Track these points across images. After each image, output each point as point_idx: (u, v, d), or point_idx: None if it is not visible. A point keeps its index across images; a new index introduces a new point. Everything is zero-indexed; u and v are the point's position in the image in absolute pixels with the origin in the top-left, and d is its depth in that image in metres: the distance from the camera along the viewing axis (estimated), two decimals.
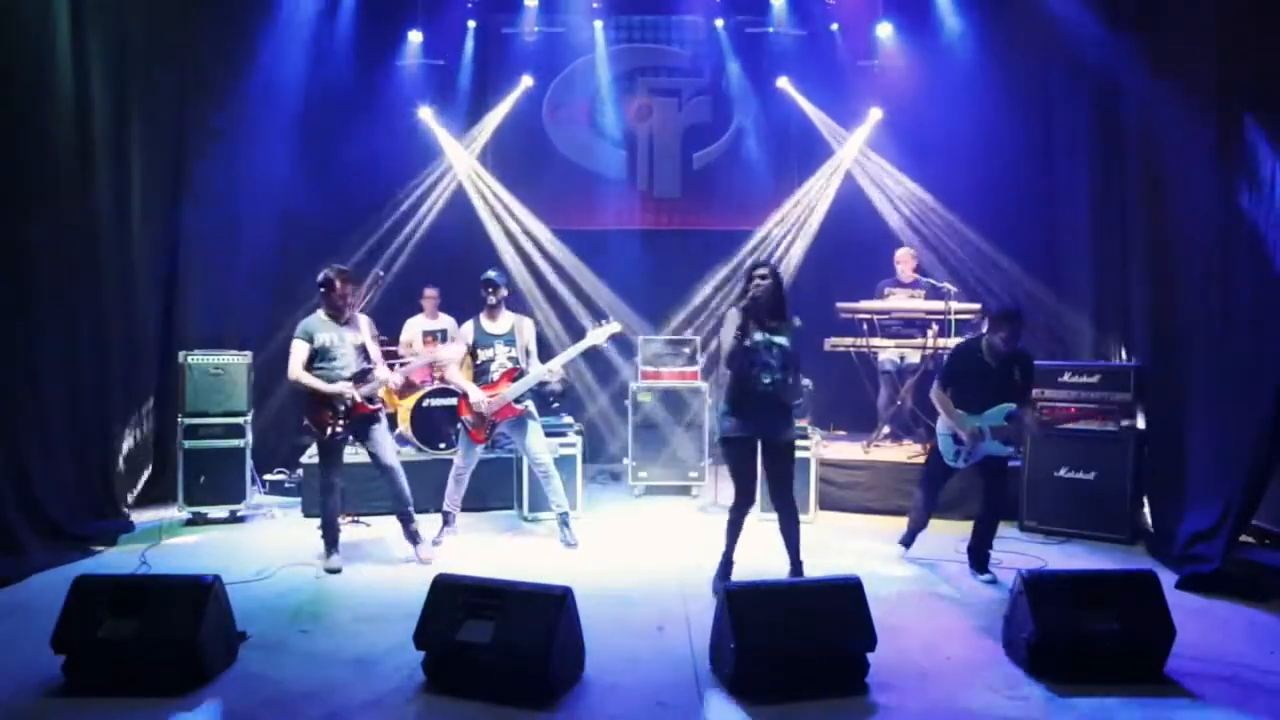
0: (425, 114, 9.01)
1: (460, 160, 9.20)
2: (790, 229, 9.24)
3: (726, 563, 5.24)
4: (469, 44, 9.24)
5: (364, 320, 5.80)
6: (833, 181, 9.17)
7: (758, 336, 4.95)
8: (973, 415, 5.44)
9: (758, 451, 5.12)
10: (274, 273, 8.03)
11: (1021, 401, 5.43)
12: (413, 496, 7.02)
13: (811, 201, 9.22)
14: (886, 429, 7.73)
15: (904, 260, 8.01)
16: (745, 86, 9.39)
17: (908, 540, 5.88)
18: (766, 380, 4.94)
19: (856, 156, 9.09)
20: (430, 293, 8.39)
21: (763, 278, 4.96)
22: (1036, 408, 5.52)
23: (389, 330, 8.15)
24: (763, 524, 6.82)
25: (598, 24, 9.27)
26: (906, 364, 7.71)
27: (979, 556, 5.55)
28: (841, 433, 8.28)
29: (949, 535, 5.99)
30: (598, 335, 6.28)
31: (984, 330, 5.63)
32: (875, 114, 8.96)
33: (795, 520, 5.20)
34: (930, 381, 5.93)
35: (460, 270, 8.42)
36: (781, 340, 4.99)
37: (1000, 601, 4.60)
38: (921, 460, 7.10)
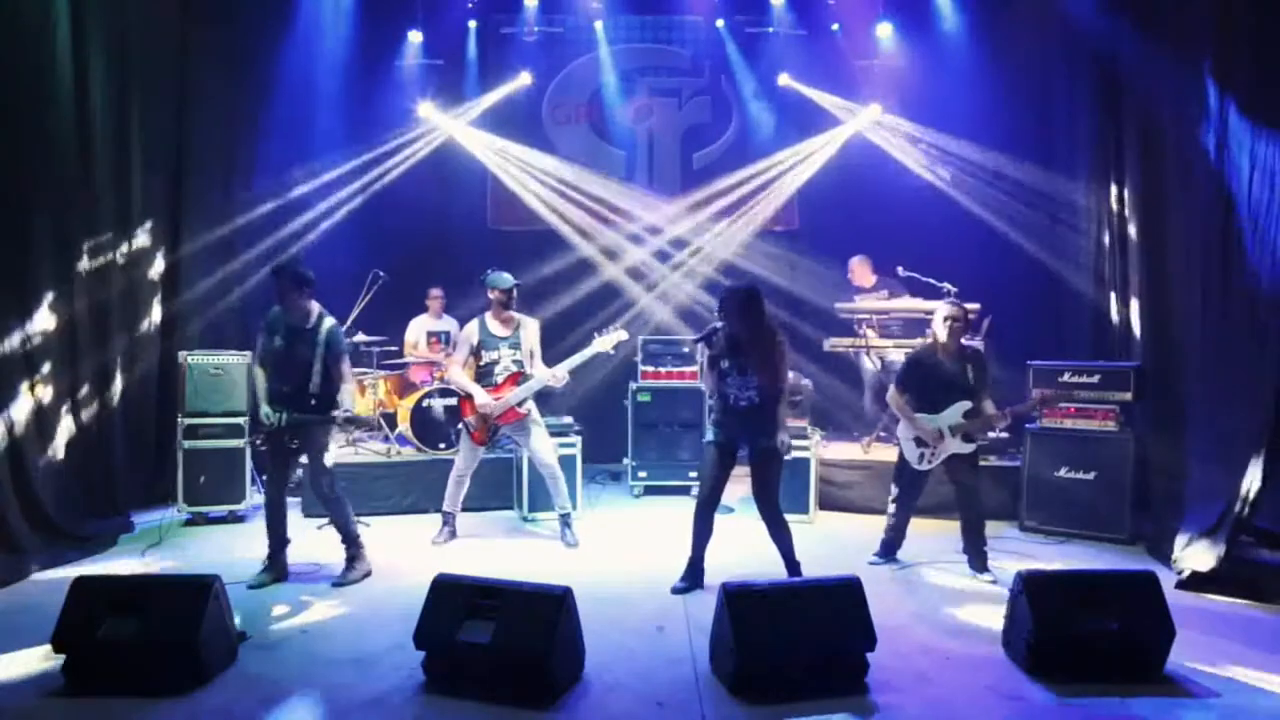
0: (426, 109, 9.02)
1: (461, 134, 9.21)
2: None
3: (693, 565, 5.29)
4: (468, 44, 9.25)
5: (325, 330, 5.33)
6: (831, 147, 9.17)
7: (725, 364, 5.09)
8: (932, 416, 5.53)
9: (730, 459, 5.24)
10: None
11: (977, 398, 5.49)
12: (412, 497, 7.09)
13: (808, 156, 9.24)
14: (882, 431, 7.71)
15: (856, 269, 8.13)
16: (746, 86, 9.38)
17: (885, 554, 5.83)
18: (743, 401, 5.08)
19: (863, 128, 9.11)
20: (436, 293, 8.41)
21: (728, 310, 5.03)
22: (996, 403, 5.55)
23: (392, 330, 8.18)
24: (759, 524, 6.84)
25: (598, 24, 9.27)
26: (890, 363, 7.75)
27: (976, 557, 5.56)
28: (843, 433, 8.27)
29: (948, 535, 5.98)
30: (604, 343, 6.25)
31: (933, 332, 5.69)
32: (875, 109, 8.96)
33: (782, 527, 5.23)
34: None
35: (458, 268, 8.46)
36: (756, 363, 5.04)
37: (1000, 601, 4.60)
38: None
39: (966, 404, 5.49)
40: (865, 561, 5.79)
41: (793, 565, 5.20)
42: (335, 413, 5.36)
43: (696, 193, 9.33)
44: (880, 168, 8.97)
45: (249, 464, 6.85)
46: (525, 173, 9.30)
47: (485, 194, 9.51)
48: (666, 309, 9.15)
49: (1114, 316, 7.00)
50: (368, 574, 5.45)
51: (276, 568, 5.39)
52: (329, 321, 5.38)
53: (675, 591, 5.20)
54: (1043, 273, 7.82)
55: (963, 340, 5.67)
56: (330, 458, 5.46)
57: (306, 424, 5.30)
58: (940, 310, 5.60)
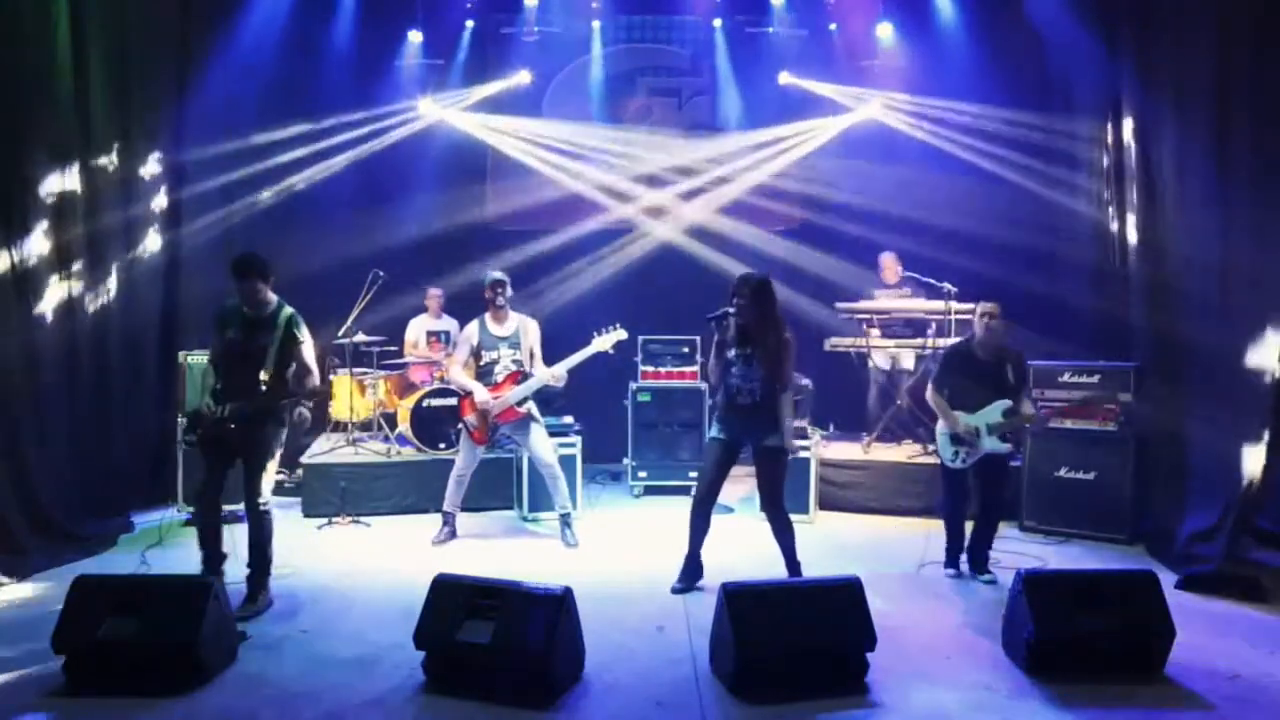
0: (426, 107, 9.03)
1: (459, 119, 9.20)
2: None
3: (690, 562, 5.29)
4: (468, 44, 9.24)
5: (284, 316, 5.03)
6: (831, 130, 9.13)
7: (732, 353, 5.06)
8: (969, 414, 5.46)
9: (731, 457, 5.22)
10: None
11: (1017, 397, 5.44)
12: (413, 497, 7.09)
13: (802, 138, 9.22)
14: (883, 432, 7.70)
15: (887, 265, 8.06)
16: (745, 86, 9.38)
17: (951, 561, 5.63)
18: (745, 396, 5.05)
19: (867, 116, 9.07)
20: (435, 293, 8.41)
21: (741, 296, 5.00)
22: (1035, 404, 5.53)
23: (391, 330, 8.18)
24: (760, 524, 6.83)
25: (595, 24, 9.26)
26: (898, 368, 7.72)
27: (978, 557, 5.55)
28: (844, 432, 8.26)
29: None
30: (603, 342, 6.25)
31: (973, 329, 5.63)
32: (876, 104, 8.94)
33: (786, 526, 5.22)
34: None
35: (457, 268, 8.48)
36: (761, 355, 5.02)
37: (1000, 601, 4.60)
38: (921, 460, 7.11)
39: (1006, 403, 5.41)
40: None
41: (794, 565, 5.20)
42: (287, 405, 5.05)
43: (705, 138, 9.31)
44: (879, 162, 8.93)
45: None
46: (527, 143, 9.27)
47: (484, 193, 9.50)
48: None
49: (1114, 317, 7.00)
50: (270, 605, 4.94)
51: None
52: (288, 309, 5.07)
53: (675, 591, 5.20)
54: (1044, 274, 7.79)
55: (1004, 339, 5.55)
56: (271, 477, 5.05)
57: (256, 416, 4.85)
58: (978, 307, 5.53)
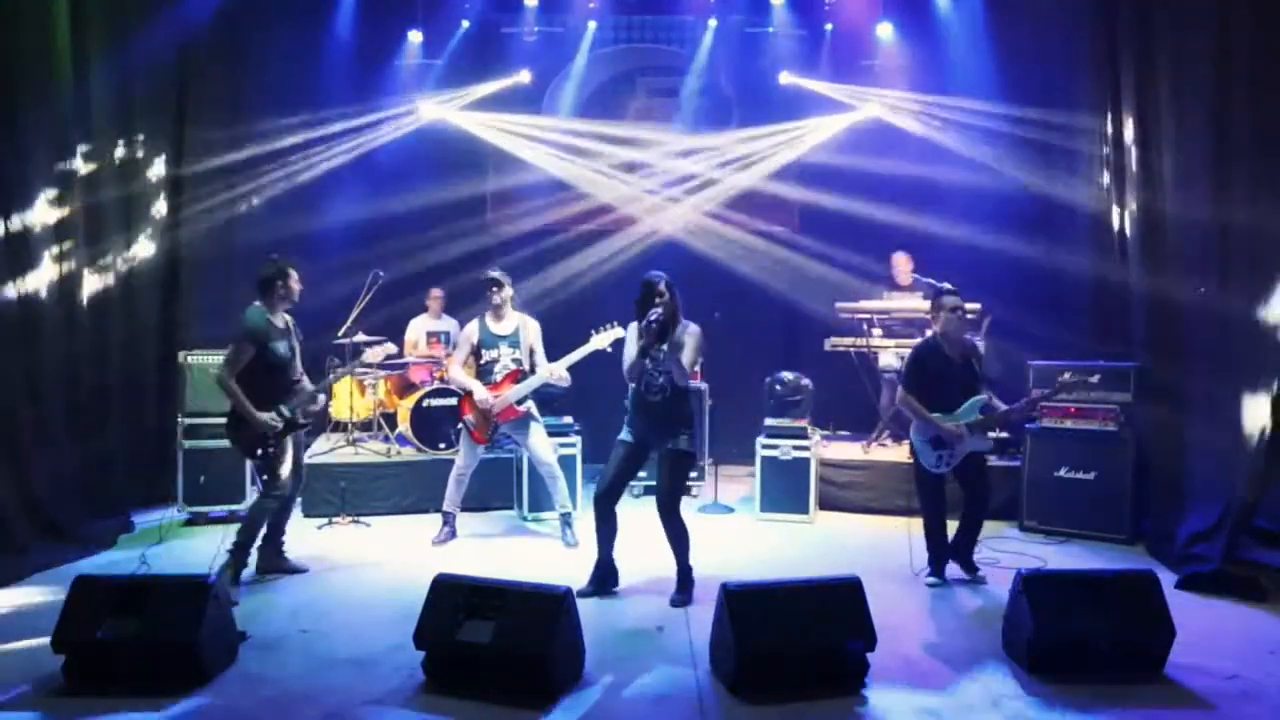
0: (426, 108, 9.02)
1: (458, 118, 9.19)
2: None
3: (599, 566, 5.18)
4: (468, 44, 9.23)
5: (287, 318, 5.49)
6: (829, 129, 9.09)
7: (650, 353, 5.02)
8: (948, 415, 5.30)
9: (638, 457, 5.22)
10: None
11: (982, 391, 5.37)
12: (412, 497, 7.10)
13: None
14: (887, 431, 7.70)
15: (900, 264, 8.00)
16: (745, 86, 9.37)
17: (937, 570, 5.47)
18: (656, 395, 5.03)
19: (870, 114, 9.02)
20: (436, 293, 8.41)
21: (660, 295, 5.00)
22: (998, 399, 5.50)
23: (391, 330, 8.17)
24: (759, 524, 6.85)
25: (591, 24, 9.26)
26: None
27: (964, 557, 5.49)
28: (844, 432, 8.27)
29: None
30: (602, 340, 6.24)
31: (935, 327, 5.49)
32: (872, 107, 8.94)
33: (681, 537, 5.08)
34: None
35: (456, 267, 8.49)
36: (676, 353, 5.00)
37: (1000, 601, 4.60)
38: None
39: (981, 399, 5.31)
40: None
41: (686, 572, 5.12)
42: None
43: (705, 137, 9.27)
44: (881, 159, 8.90)
45: (249, 463, 6.83)
46: (526, 139, 9.26)
47: (484, 192, 9.49)
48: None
49: (1114, 317, 6.99)
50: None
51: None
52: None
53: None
54: (1044, 275, 7.77)
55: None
56: None
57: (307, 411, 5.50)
58: (945, 302, 5.37)
